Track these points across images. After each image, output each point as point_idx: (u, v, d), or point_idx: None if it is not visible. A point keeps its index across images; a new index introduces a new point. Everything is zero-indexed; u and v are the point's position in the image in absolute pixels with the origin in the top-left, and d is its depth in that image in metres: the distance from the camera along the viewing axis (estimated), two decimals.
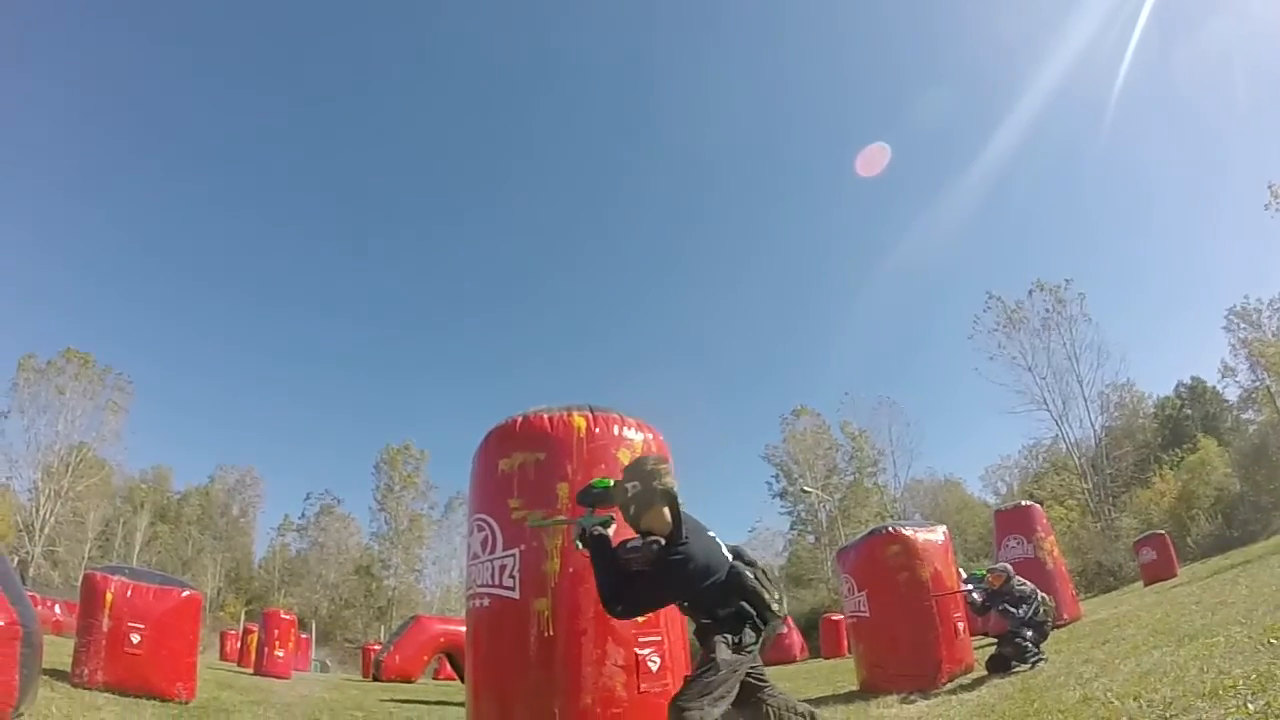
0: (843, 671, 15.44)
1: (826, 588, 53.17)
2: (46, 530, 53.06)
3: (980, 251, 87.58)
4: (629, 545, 3.90)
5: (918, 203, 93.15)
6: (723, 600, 3.80)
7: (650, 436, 5.49)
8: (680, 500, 3.86)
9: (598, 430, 5.20)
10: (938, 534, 9.91)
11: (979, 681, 8.80)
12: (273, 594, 66.64)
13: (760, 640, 3.85)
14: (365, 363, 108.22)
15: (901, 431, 60.83)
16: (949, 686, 8.78)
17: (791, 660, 31.44)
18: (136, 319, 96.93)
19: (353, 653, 53.72)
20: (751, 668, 3.86)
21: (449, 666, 30.64)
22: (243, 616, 50.85)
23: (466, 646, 5.71)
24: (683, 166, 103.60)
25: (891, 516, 54.98)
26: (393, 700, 14.67)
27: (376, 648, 32.71)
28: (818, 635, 33.23)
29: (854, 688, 9.99)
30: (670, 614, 5.22)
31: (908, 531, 9.50)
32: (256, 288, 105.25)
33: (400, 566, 70.04)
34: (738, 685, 3.76)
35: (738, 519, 67.29)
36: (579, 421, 5.16)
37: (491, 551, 5.07)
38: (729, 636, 3.75)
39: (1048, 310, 48.91)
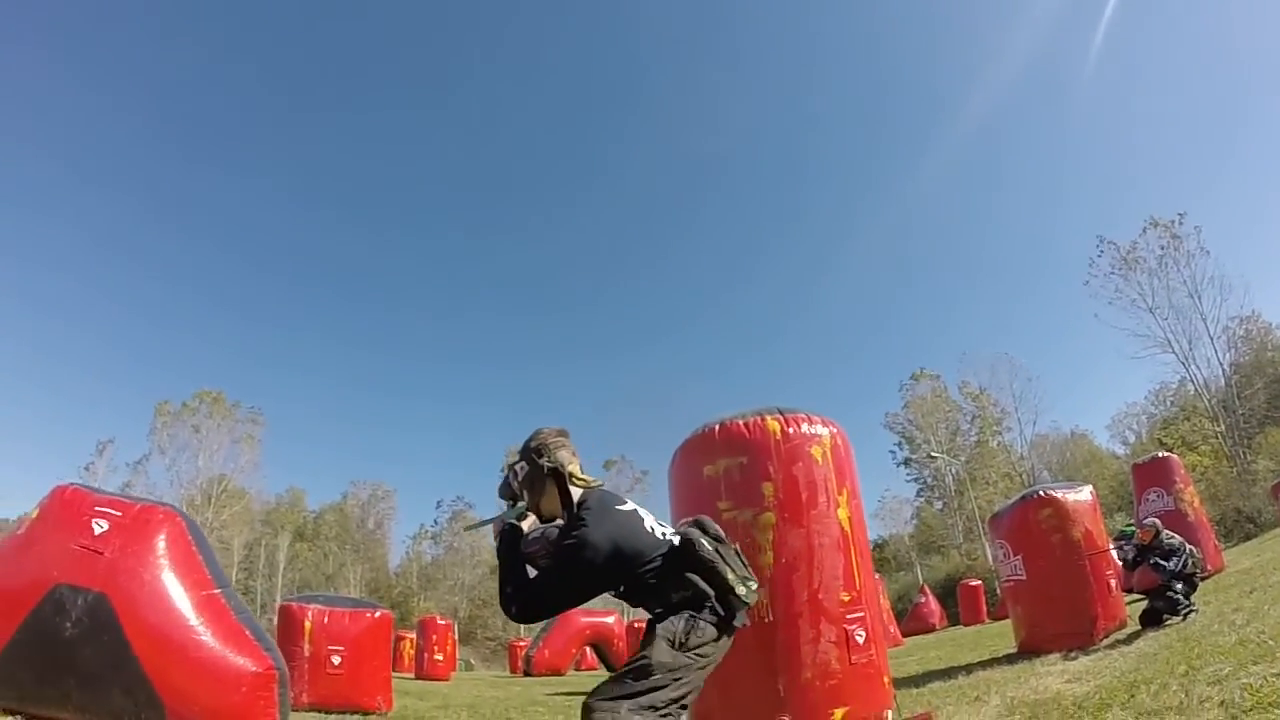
0: (989, 637, 15.64)
1: (959, 553, 52.40)
2: None
3: (1087, 193, 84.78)
4: (530, 536, 3.40)
5: (1019, 150, 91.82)
6: (673, 582, 3.16)
7: (835, 430, 5.97)
8: (589, 477, 3.38)
9: (790, 430, 5.67)
10: (1085, 494, 10.14)
11: (1134, 636, 9.01)
12: (412, 600, 69.07)
13: (724, 634, 3.15)
14: (482, 373, 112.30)
15: (1023, 387, 58.11)
16: (1106, 642, 9.01)
17: (930, 629, 31.20)
18: (260, 350, 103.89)
19: (495, 650, 55.37)
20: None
21: (590, 657, 31.82)
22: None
23: None
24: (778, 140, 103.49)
25: (1019, 476, 54.15)
26: (559, 694, 15.24)
27: (522, 644, 33.55)
28: (955, 602, 32.73)
29: (1012, 650, 10.24)
30: (868, 588, 5.69)
31: (1058, 494, 9.74)
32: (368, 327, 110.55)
33: None
34: (684, 696, 2.99)
35: (864, 490, 67.11)
36: (773, 425, 5.65)
37: None
38: (677, 626, 3.06)
39: (1163, 248, 46.00)
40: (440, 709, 11.24)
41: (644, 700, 2.87)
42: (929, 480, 62.05)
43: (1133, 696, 5.48)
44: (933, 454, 55.41)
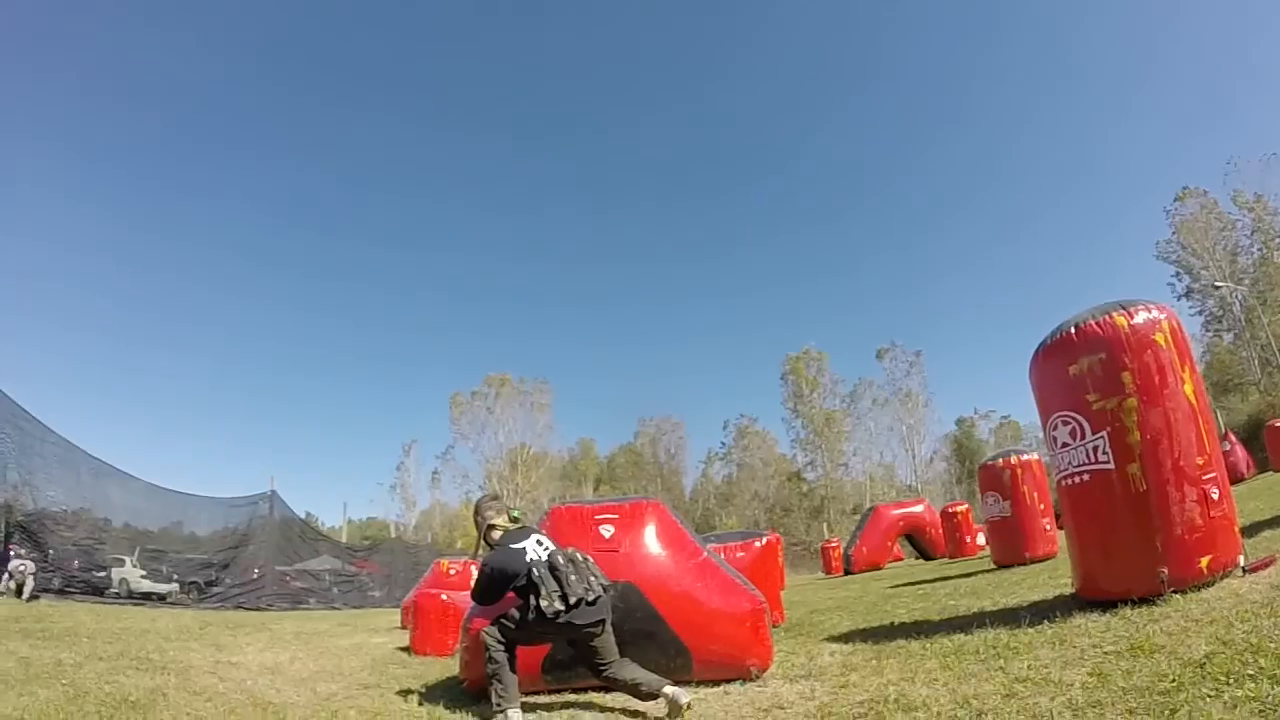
0: None
1: (1259, 390, 48.72)
2: None
3: None
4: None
5: None
6: (524, 593, 5.36)
7: (1169, 314, 6.53)
8: (507, 525, 5.80)
9: (1135, 320, 6.32)
10: None
11: None
12: (714, 518, 72.36)
13: (543, 619, 5.19)
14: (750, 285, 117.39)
15: None
16: None
17: (1240, 479, 26.64)
18: (541, 331, 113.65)
19: (799, 554, 56.60)
20: (588, 643, 5.38)
21: (897, 549, 32.41)
22: None
23: (1065, 514, 7.03)
24: None
25: None
26: (898, 587, 15.21)
27: (833, 544, 34.36)
28: (1262, 446, 28.79)
29: None
30: (1215, 451, 6.33)
31: None
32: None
33: (826, 463, 73.75)
34: (524, 640, 5.43)
35: None
36: (1120, 320, 6.31)
37: (1082, 439, 6.45)
38: (511, 609, 5.42)
39: None
40: (815, 613, 11.88)
41: (496, 629, 5.38)
42: (1214, 310, 57.16)
43: None
44: (1216, 284, 51.06)
